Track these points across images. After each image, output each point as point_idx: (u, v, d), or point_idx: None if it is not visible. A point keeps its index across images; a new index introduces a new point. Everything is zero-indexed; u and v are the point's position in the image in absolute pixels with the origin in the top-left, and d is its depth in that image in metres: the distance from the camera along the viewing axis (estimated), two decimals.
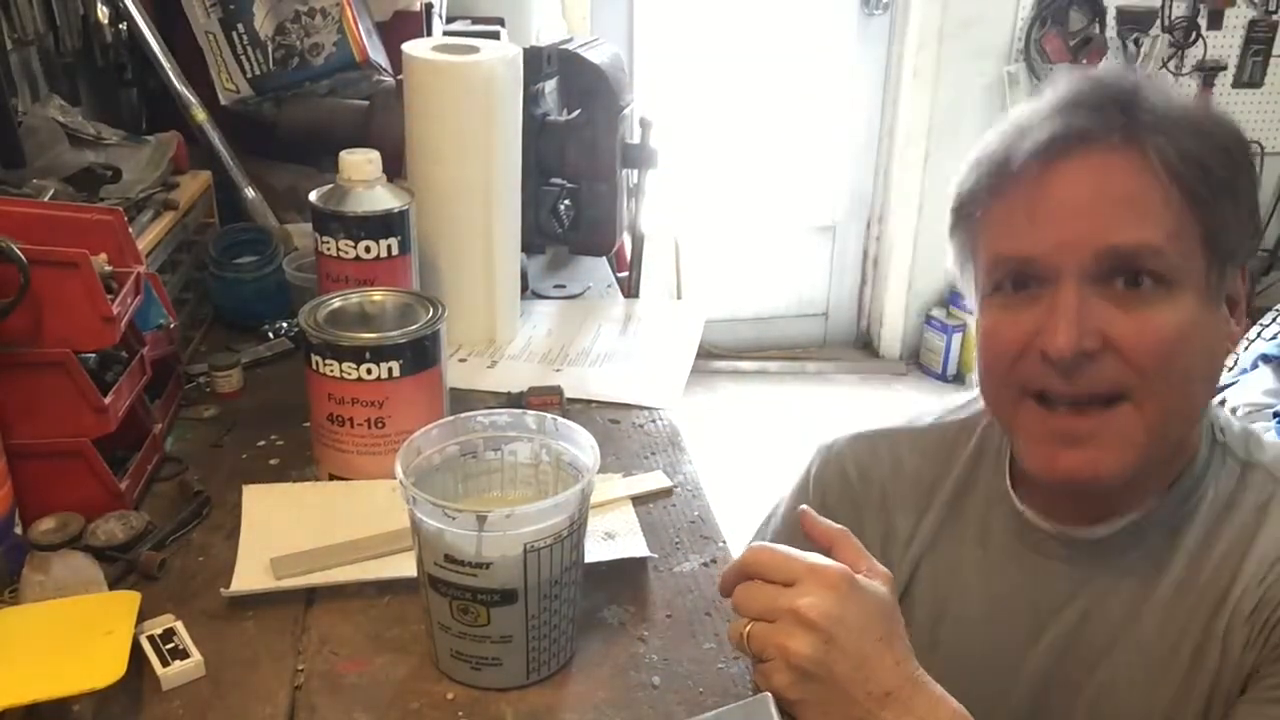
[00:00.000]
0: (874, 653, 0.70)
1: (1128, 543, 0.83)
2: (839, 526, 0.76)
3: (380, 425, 0.94)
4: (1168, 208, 0.74)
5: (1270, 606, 0.78)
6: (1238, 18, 3.53)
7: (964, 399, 0.98)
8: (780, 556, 0.72)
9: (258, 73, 1.42)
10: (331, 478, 0.98)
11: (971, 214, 0.83)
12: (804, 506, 0.79)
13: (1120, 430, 0.76)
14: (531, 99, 1.33)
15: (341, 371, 0.92)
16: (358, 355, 0.91)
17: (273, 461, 1.02)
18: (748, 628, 0.72)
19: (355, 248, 1.05)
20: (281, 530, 0.89)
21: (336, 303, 0.98)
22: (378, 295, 1.00)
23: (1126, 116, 0.75)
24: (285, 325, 1.26)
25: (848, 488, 0.97)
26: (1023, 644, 0.88)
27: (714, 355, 3.71)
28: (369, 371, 0.92)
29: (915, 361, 3.78)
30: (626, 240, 1.52)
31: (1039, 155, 0.76)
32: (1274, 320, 2.73)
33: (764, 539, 0.98)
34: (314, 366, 0.93)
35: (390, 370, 0.92)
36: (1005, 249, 0.78)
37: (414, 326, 0.94)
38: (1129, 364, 0.75)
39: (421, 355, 0.94)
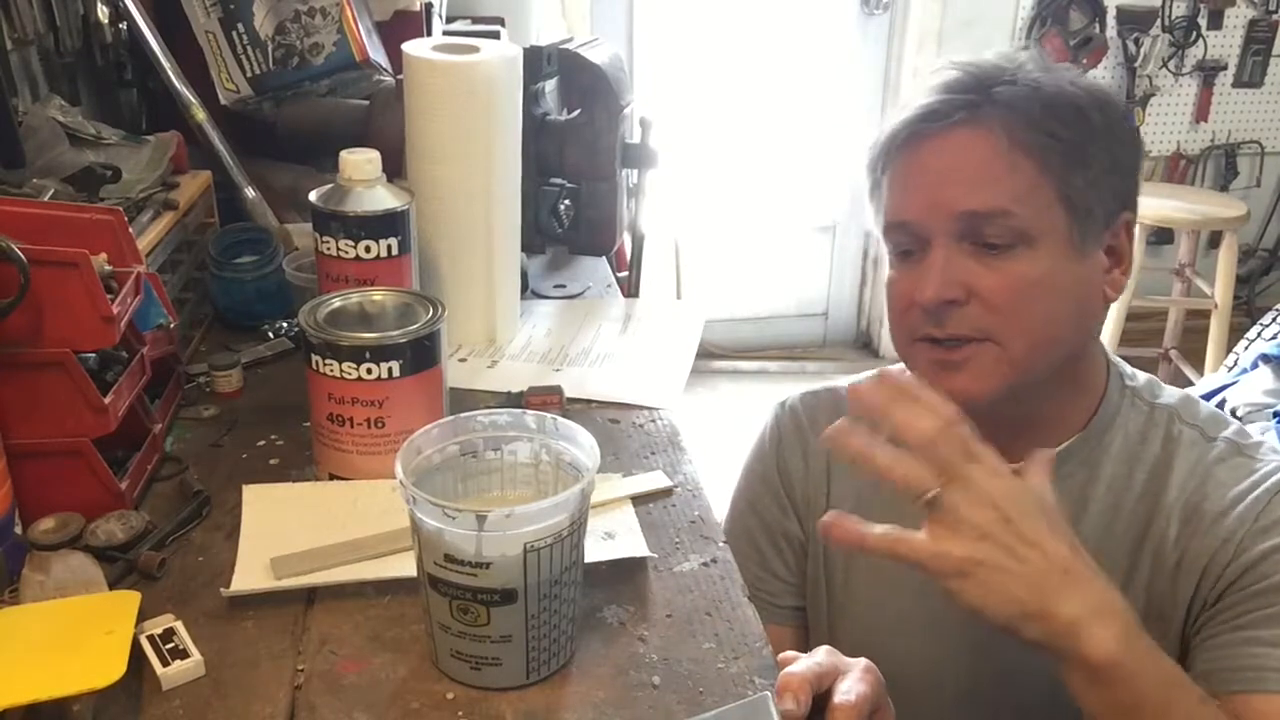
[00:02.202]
0: (1050, 532, 0.73)
1: (1055, 475, 0.90)
2: (816, 660, 0.73)
3: (380, 425, 0.94)
4: (1015, 173, 0.85)
5: (1201, 534, 0.87)
6: (1238, 17, 3.53)
7: (897, 366, 1.05)
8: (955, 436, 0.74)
9: (258, 72, 1.42)
10: (331, 478, 0.98)
11: (874, 184, 0.95)
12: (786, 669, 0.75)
13: (984, 362, 0.88)
14: (531, 99, 1.33)
15: (341, 371, 0.92)
16: (358, 355, 0.91)
17: (273, 461, 1.02)
18: (932, 491, 0.72)
19: (355, 248, 1.05)
20: (281, 530, 0.89)
21: (336, 302, 0.98)
22: (378, 295, 1.00)
23: (980, 95, 0.87)
24: (285, 325, 1.26)
25: (800, 435, 1.09)
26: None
27: (714, 355, 3.71)
28: (369, 371, 0.92)
29: None
30: (626, 240, 1.52)
31: (910, 132, 0.89)
32: (1274, 320, 2.72)
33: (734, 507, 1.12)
34: (314, 366, 0.93)
35: (390, 370, 0.92)
36: (890, 215, 0.93)
37: (414, 326, 0.94)
38: (989, 310, 0.87)
39: (421, 355, 0.94)
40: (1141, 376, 0.98)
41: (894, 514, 0.98)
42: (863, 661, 0.72)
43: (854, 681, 0.70)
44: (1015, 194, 0.85)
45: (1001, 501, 0.71)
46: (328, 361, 0.92)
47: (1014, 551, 0.71)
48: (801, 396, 1.12)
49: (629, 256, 1.55)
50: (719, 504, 0.99)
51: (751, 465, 1.13)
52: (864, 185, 0.98)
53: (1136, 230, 0.94)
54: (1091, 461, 0.93)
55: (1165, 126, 3.71)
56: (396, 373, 0.92)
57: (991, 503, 0.71)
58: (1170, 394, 0.97)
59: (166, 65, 1.39)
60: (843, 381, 1.10)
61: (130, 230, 0.98)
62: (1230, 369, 2.59)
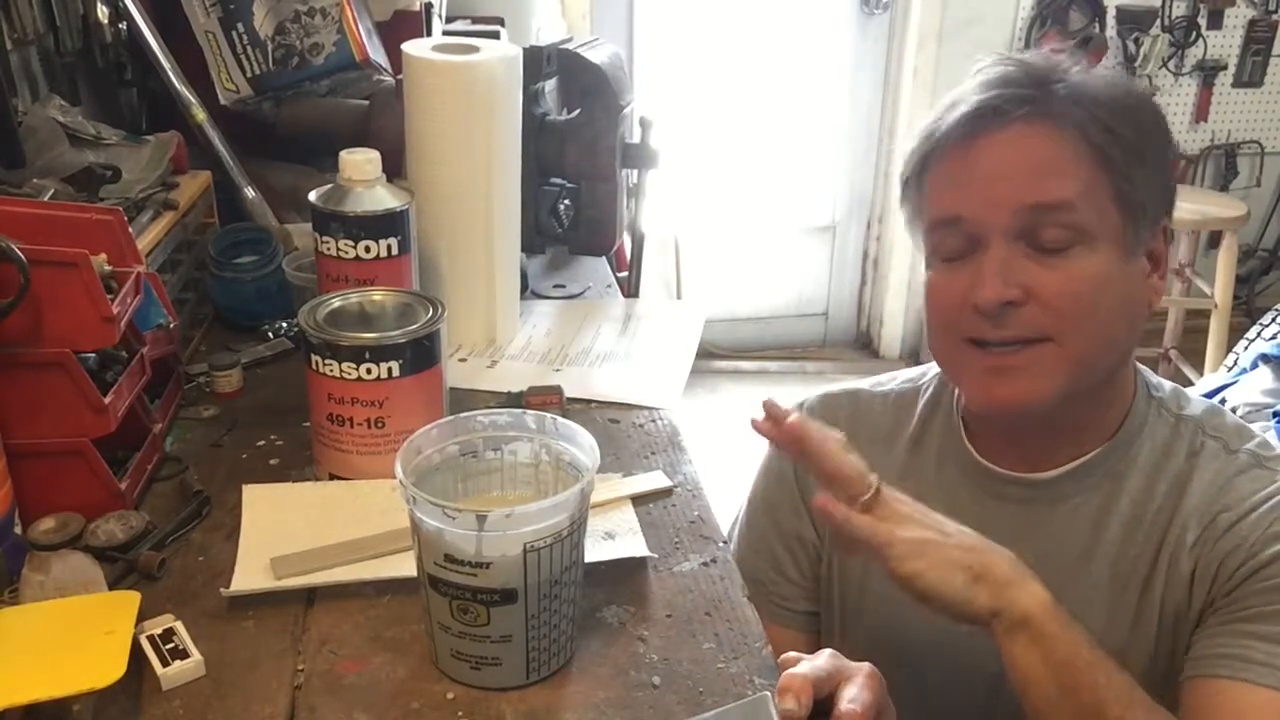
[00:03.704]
0: (980, 545, 0.80)
1: (1075, 487, 0.92)
2: (820, 663, 0.74)
3: (380, 425, 0.94)
4: (1079, 167, 0.84)
5: (1215, 540, 0.87)
6: (1237, 17, 3.53)
7: (918, 370, 1.09)
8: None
9: (258, 72, 1.42)
10: (331, 477, 0.98)
11: (914, 183, 0.93)
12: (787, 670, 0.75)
13: (1044, 364, 0.87)
14: (531, 99, 1.33)
15: (341, 371, 0.92)
16: (358, 355, 0.91)
17: (273, 461, 1.02)
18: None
19: (355, 248, 1.05)
20: (281, 530, 0.89)
21: (336, 303, 0.98)
22: (378, 295, 1.00)
23: (1040, 91, 0.86)
24: (285, 325, 1.26)
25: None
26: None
27: (714, 355, 3.71)
28: (369, 371, 0.92)
29: (915, 361, 3.78)
30: (626, 240, 1.52)
31: (964, 128, 0.88)
32: (1274, 320, 2.72)
33: (745, 516, 1.12)
34: (314, 366, 0.93)
35: (390, 370, 0.92)
36: (939, 212, 0.89)
37: (414, 326, 0.94)
38: (1049, 310, 0.85)
39: (421, 355, 0.94)
40: (1167, 386, 0.97)
41: None
42: (866, 667, 0.72)
43: (859, 689, 0.70)
44: (1079, 188, 0.84)
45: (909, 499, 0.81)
46: (328, 361, 0.92)
47: (942, 528, 0.80)
48: (821, 398, 1.10)
49: (629, 256, 1.55)
50: (719, 504, 0.99)
51: (768, 466, 1.12)
52: (896, 187, 0.98)
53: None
54: (1116, 473, 0.92)
55: None
56: (396, 373, 0.92)
57: (906, 498, 0.81)
58: (1196, 405, 0.96)
59: (166, 65, 1.39)
60: (864, 383, 1.10)
61: (130, 230, 0.98)
62: (1230, 369, 2.59)
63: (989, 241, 0.86)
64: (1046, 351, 0.86)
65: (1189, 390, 0.99)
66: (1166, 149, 0.89)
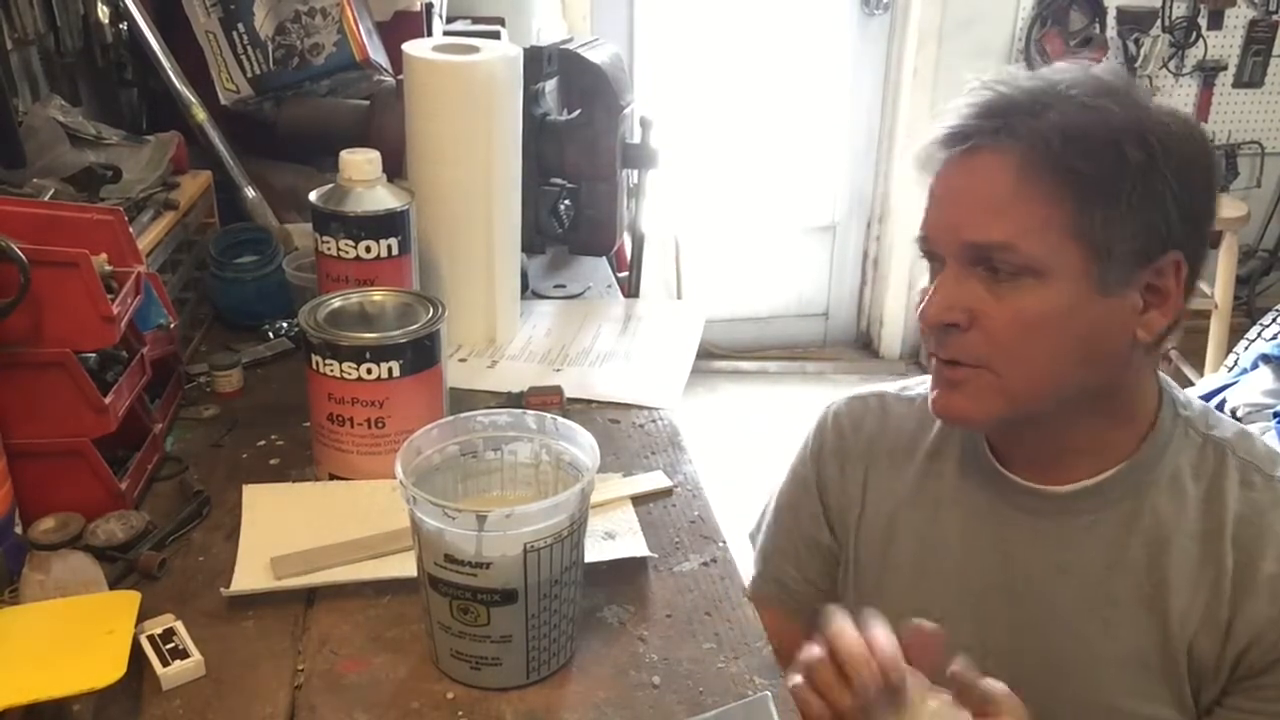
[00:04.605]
0: None
1: (1093, 503, 0.91)
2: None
3: (380, 425, 0.94)
4: (1024, 207, 0.83)
5: (1255, 599, 0.85)
6: (1238, 18, 3.53)
7: None
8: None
9: (258, 72, 1.42)
10: (331, 478, 0.98)
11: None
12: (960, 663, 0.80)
13: (979, 389, 0.87)
14: (531, 99, 1.33)
15: (342, 371, 0.92)
16: (358, 355, 0.91)
17: (273, 461, 1.02)
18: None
19: (355, 248, 1.05)
20: (281, 530, 0.89)
21: (336, 303, 0.98)
22: (378, 295, 1.00)
23: (1010, 121, 0.84)
24: (285, 325, 1.26)
25: (841, 441, 1.08)
26: (998, 591, 0.94)
27: (714, 355, 3.71)
28: (369, 371, 0.92)
29: (915, 361, 3.78)
30: (626, 240, 1.52)
31: (934, 147, 0.88)
32: (1274, 320, 2.72)
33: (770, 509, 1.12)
34: (314, 366, 0.93)
35: (390, 370, 0.92)
36: (921, 226, 0.90)
37: (414, 326, 0.94)
38: (990, 339, 0.86)
39: (421, 355, 0.94)
40: (1197, 405, 0.95)
41: (924, 529, 0.99)
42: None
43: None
44: (1022, 228, 0.83)
45: None
46: (328, 361, 0.92)
47: None
48: (847, 402, 1.10)
49: (629, 256, 1.55)
50: (719, 504, 0.99)
51: (795, 468, 1.12)
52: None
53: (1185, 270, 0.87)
54: (1138, 491, 0.91)
55: None
56: (396, 373, 0.92)
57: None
58: (1226, 426, 0.94)
59: (167, 65, 1.39)
60: (890, 387, 1.09)
61: (130, 230, 0.98)
62: (1230, 369, 2.59)
63: (945, 262, 0.87)
64: (983, 379, 0.87)
65: (1210, 404, 0.98)
66: (1171, 186, 0.83)
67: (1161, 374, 0.95)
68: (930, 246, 0.89)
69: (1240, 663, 0.85)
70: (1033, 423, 0.90)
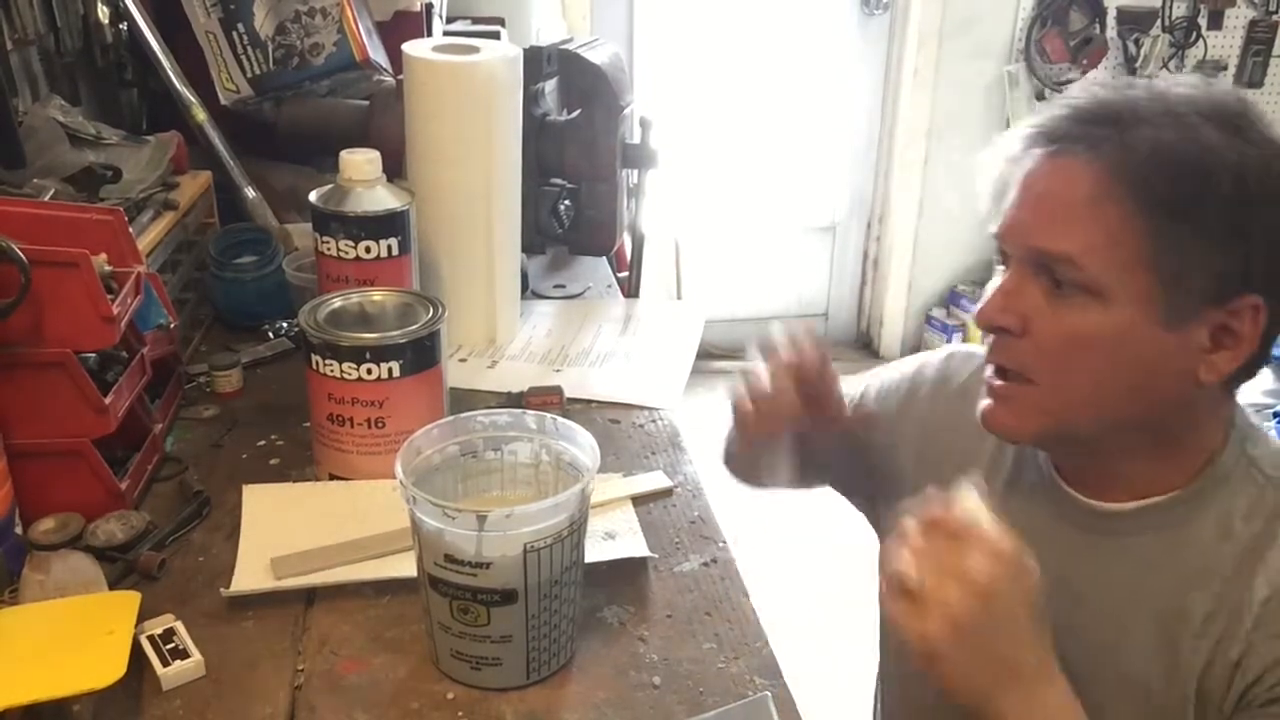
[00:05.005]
0: (1022, 634, 0.76)
1: (1134, 526, 0.88)
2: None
3: (380, 425, 0.94)
4: (1098, 221, 0.78)
5: (1268, 634, 0.81)
6: (1238, 18, 3.53)
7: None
8: (963, 517, 0.77)
9: (258, 73, 1.42)
10: (331, 478, 0.98)
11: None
12: (976, 477, 0.81)
13: (1021, 403, 0.85)
14: (531, 99, 1.33)
15: (342, 371, 0.92)
16: (358, 355, 0.91)
17: (273, 461, 1.02)
18: (916, 570, 0.75)
19: (355, 248, 1.05)
20: (281, 530, 0.89)
21: (337, 302, 0.98)
22: (378, 295, 1.00)
23: (1096, 130, 0.80)
24: (285, 325, 1.26)
25: (942, 387, 1.04)
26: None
27: (714, 355, 3.71)
28: (369, 371, 0.92)
29: None
30: (626, 240, 1.52)
31: (1018, 144, 0.84)
32: None
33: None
34: (314, 366, 0.93)
35: (390, 370, 0.92)
36: (997, 222, 0.87)
37: (414, 326, 0.94)
38: (1039, 351, 0.82)
39: (422, 355, 0.94)
40: (1273, 445, 0.89)
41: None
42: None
43: None
44: (1089, 243, 0.79)
45: (996, 599, 0.74)
46: (328, 361, 0.92)
47: (972, 657, 0.75)
48: (965, 356, 1.05)
49: (629, 256, 1.55)
50: (719, 504, 0.99)
51: (908, 368, 1.08)
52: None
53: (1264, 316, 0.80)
54: (1182, 522, 0.86)
55: None
56: (396, 373, 0.92)
57: (978, 594, 0.74)
58: None
59: (166, 65, 1.39)
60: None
61: (130, 230, 0.98)
62: None
63: (1011, 263, 0.84)
64: (1026, 395, 0.84)
65: None
66: (1250, 223, 0.77)
67: (1242, 408, 0.89)
68: (1001, 244, 0.86)
69: (1246, 694, 0.83)
70: (1078, 442, 0.87)
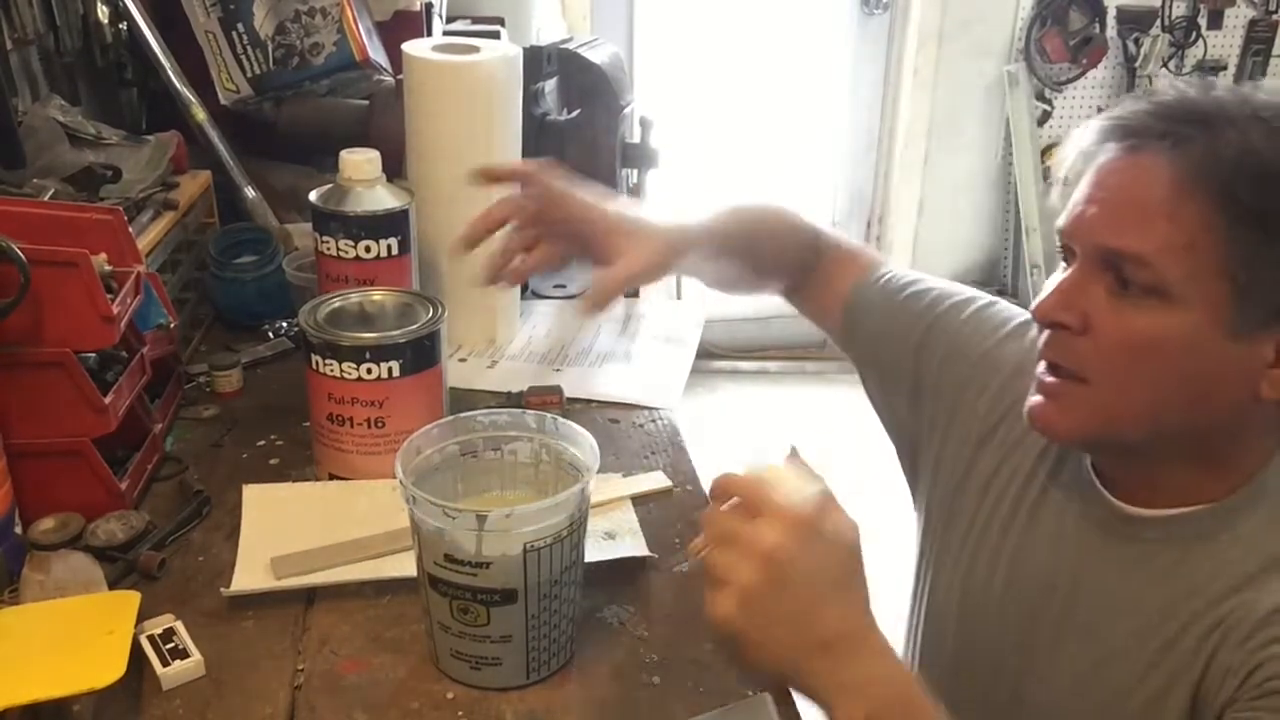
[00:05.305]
0: (820, 600, 0.70)
1: (1159, 534, 0.85)
2: (819, 478, 0.76)
3: (380, 425, 0.94)
4: (1173, 224, 0.75)
5: (1265, 642, 0.77)
6: (1238, 18, 3.53)
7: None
8: (754, 484, 0.73)
9: (258, 72, 1.42)
10: (331, 477, 0.98)
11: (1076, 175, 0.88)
12: (793, 445, 0.79)
13: (1072, 402, 0.82)
14: (531, 99, 1.33)
15: (342, 371, 0.92)
16: (358, 355, 0.91)
17: (273, 461, 1.02)
18: (707, 548, 0.73)
19: (355, 248, 1.05)
20: (281, 530, 0.89)
21: (336, 302, 0.98)
22: (378, 295, 1.00)
23: (1179, 128, 0.77)
24: (285, 325, 1.26)
25: (1000, 353, 0.99)
26: (1033, 587, 0.91)
27: (714, 355, 3.71)
28: (369, 371, 0.92)
29: None
30: None
31: (1092, 137, 0.81)
32: None
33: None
34: (314, 366, 0.93)
35: (390, 370, 0.92)
36: (1062, 216, 0.84)
37: (414, 326, 0.94)
38: (1098, 352, 0.80)
39: (421, 355, 0.94)
40: None
41: (1002, 482, 0.96)
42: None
43: None
44: (1165, 245, 0.76)
45: (783, 565, 0.69)
46: (328, 361, 0.92)
47: (767, 628, 0.70)
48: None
49: None
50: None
51: (985, 304, 1.04)
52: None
53: None
54: (1210, 536, 0.83)
55: None
56: (396, 373, 0.92)
57: (771, 565, 0.69)
58: None
59: (166, 65, 1.39)
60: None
61: (130, 230, 0.98)
62: None
63: (1075, 259, 0.82)
64: (1078, 394, 0.82)
65: None
66: None
67: None
68: (1065, 239, 0.83)
69: (1236, 693, 0.79)
70: (1123, 447, 0.85)
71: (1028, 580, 0.92)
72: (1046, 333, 0.83)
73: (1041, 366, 0.85)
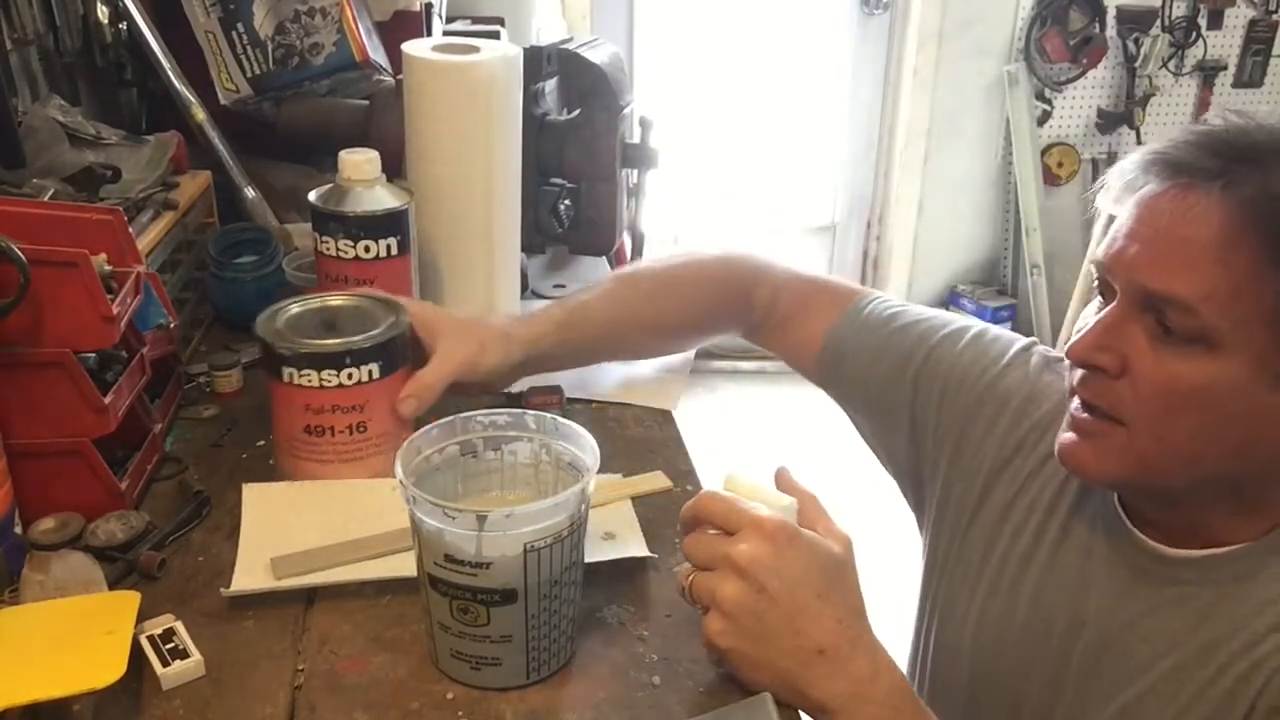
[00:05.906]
0: (809, 607, 0.71)
1: (1194, 576, 0.83)
2: (809, 490, 0.78)
3: (362, 430, 0.93)
4: (1223, 267, 0.72)
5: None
6: (1238, 18, 3.53)
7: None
8: (725, 504, 0.74)
9: (258, 72, 1.42)
10: None
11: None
12: (781, 466, 0.79)
13: (1108, 445, 0.80)
14: (531, 99, 1.33)
15: (321, 380, 0.90)
16: (337, 361, 0.90)
17: (273, 461, 1.02)
18: (690, 577, 0.74)
19: (355, 248, 1.05)
20: (281, 530, 0.89)
21: (294, 309, 0.96)
22: (335, 300, 0.99)
23: (1231, 166, 0.74)
24: None
25: (1024, 387, 0.96)
26: (1058, 623, 0.88)
27: (714, 355, 3.71)
28: (350, 376, 0.90)
29: None
30: (626, 240, 1.52)
31: (1135, 170, 0.78)
32: None
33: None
34: (286, 380, 0.91)
35: (370, 373, 0.91)
36: (1100, 252, 0.81)
37: (390, 323, 0.93)
38: (1136, 396, 0.77)
39: (396, 354, 0.93)
40: None
41: (1019, 517, 0.93)
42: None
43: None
44: (1210, 290, 0.72)
45: (761, 575, 0.71)
46: (304, 373, 0.90)
47: (759, 642, 0.72)
48: (1050, 360, 0.98)
49: (629, 256, 1.55)
50: None
51: (979, 332, 1.01)
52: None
53: None
54: (1244, 577, 0.81)
55: (1165, 127, 3.71)
56: (377, 374, 0.92)
57: (750, 577, 0.71)
58: None
59: (166, 65, 1.39)
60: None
61: (130, 230, 0.98)
62: None
63: (1113, 295, 0.79)
64: (1116, 437, 0.79)
65: None
66: None
67: None
68: (1104, 274, 0.79)
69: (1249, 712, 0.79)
70: (1160, 492, 0.83)
71: (1052, 615, 0.89)
72: (1080, 371, 0.81)
73: (1075, 403, 0.82)
